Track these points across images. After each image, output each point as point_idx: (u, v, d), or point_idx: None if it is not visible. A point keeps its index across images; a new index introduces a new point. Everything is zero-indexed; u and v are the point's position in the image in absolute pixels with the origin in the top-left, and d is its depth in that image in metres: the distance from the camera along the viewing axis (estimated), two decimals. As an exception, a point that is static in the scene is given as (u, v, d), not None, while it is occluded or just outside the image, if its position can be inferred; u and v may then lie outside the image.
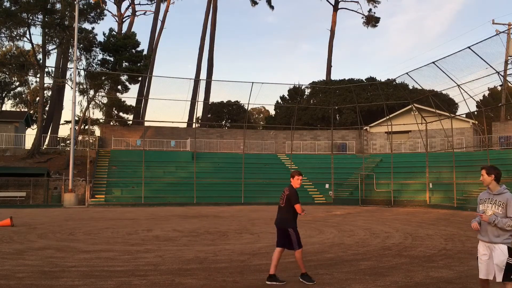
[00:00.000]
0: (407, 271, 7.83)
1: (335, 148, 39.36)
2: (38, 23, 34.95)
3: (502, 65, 31.99)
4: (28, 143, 37.86)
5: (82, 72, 38.25)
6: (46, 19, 34.23)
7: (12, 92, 57.71)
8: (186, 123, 42.68)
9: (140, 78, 41.21)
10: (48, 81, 41.95)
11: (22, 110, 56.09)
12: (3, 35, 36.48)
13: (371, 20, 51.25)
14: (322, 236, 12.92)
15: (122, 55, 38.23)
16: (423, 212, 23.73)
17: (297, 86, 46.88)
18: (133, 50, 39.23)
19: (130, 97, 51.25)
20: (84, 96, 39.91)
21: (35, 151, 34.95)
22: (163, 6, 50.94)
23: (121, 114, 41.43)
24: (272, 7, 52.92)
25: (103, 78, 38.10)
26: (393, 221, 17.75)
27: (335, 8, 51.34)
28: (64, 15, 35.28)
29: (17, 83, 55.62)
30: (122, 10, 49.57)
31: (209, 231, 14.21)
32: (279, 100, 51.86)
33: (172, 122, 57.17)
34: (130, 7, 50.52)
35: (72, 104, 32.03)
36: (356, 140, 40.84)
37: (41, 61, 35.99)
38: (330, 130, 37.79)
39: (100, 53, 39.17)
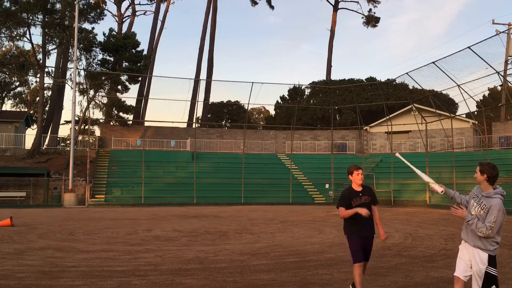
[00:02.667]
0: (407, 271, 7.83)
1: (335, 148, 39.36)
2: (38, 23, 34.95)
3: (502, 65, 32.00)
4: (28, 143, 37.93)
5: (82, 72, 38.27)
6: (46, 19, 34.23)
7: (12, 92, 57.73)
8: (186, 123, 42.69)
9: (140, 78, 41.21)
10: (48, 81, 41.96)
11: (22, 110, 56.10)
12: (3, 35, 36.49)
13: (371, 20, 51.26)
14: (322, 236, 12.91)
15: (122, 55, 38.22)
16: (423, 212, 23.73)
17: (297, 86, 46.90)
18: (133, 50, 39.22)
19: (130, 97, 51.37)
20: (84, 96, 39.91)
21: (35, 151, 34.96)
22: (163, 6, 50.99)
23: (121, 114, 41.42)
24: (272, 7, 52.98)
25: (103, 78, 38.10)
26: (393, 221, 17.74)
27: (335, 8, 51.34)
28: (64, 15, 35.27)
29: (17, 83, 55.64)
30: (122, 10, 49.58)
31: (209, 231, 14.21)
32: (279, 100, 51.87)
33: (172, 122, 57.30)
34: (130, 7, 50.53)
35: (72, 104, 32.08)
36: (356, 140, 40.84)
37: (41, 61, 35.98)
38: (330, 130, 37.78)
39: (100, 53, 39.21)
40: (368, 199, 5.88)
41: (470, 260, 4.49)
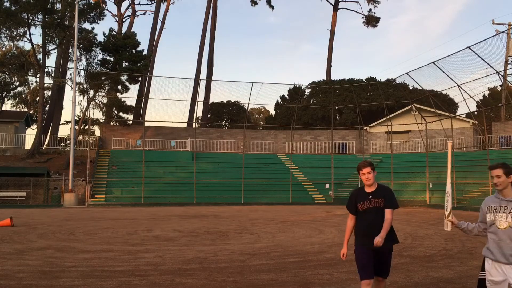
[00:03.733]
0: (407, 271, 7.83)
1: (335, 148, 39.35)
2: (38, 23, 34.94)
3: (502, 65, 31.99)
4: (28, 143, 37.90)
5: (82, 72, 38.23)
6: (46, 19, 34.21)
7: (12, 92, 57.71)
8: (186, 123, 42.68)
9: (140, 78, 41.19)
10: (48, 81, 41.93)
11: (22, 110, 56.06)
12: (3, 35, 36.47)
13: (371, 20, 51.26)
14: (322, 236, 12.92)
15: (122, 55, 38.21)
16: (423, 212, 23.72)
17: (297, 86, 46.91)
18: (133, 50, 39.20)
19: (130, 97, 51.25)
20: (84, 96, 39.90)
21: (35, 151, 34.94)
22: (163, 6, 50.96)
23: (121, 114, 41.43)
24: (272, 7, 52.92)
25: (103, 78, 38.08)
26: (393, 221, 17.74)
27: (335, 8, 51.33)
28: (64, 15, 35.27)
29: (17, 83, 55.63)
30: (122, 10, 49.60)
31: (209, 231, 14.21)
32: (279, 100, 51.84)
33: (172, 122, 57.23)
34: (130, 7, 50.54)
35: (72, 104, 32.07)
36: (356, 140, 40.83)
37: (41, 61, 35.97)
38: (330, 130, 37.78)
39: (100, 53, 39.17)
40: (380, 202, 4.87)
41: (501, 276, 3.90)
